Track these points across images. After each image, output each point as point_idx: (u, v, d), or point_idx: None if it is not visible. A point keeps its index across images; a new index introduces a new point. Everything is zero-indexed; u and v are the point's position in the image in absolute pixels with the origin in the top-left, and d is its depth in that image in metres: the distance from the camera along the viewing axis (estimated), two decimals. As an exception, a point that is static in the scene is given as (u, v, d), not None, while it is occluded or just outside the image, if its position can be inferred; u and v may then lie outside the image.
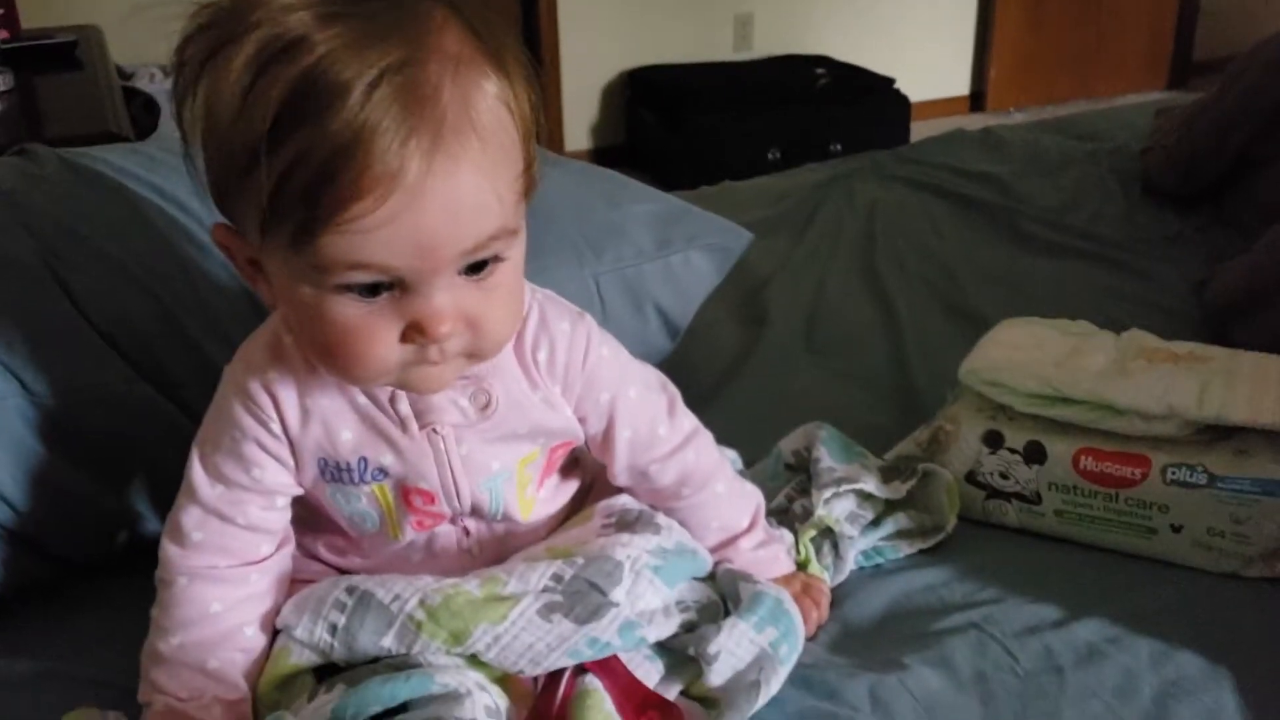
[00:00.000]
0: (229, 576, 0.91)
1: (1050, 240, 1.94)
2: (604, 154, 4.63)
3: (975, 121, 2.66)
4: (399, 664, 0.87)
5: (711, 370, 1.53)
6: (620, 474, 1.02)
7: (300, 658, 0.89)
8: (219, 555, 0.91)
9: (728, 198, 2.08)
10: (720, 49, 4.88)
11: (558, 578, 0.90)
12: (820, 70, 4.63)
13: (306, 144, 0.71)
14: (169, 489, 1.13)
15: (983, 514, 1.20)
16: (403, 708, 0.84)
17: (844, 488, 1.14)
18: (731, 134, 4.33)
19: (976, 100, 5.52)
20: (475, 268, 0.80)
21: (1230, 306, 1.54)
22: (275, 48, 0.72)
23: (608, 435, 0.99)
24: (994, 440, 1.18)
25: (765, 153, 4.35)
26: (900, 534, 1.16)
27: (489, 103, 0.77)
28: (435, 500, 0.93)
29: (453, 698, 0.83)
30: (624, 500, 1.02)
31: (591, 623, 0.88)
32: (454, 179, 0.74)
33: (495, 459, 0.94)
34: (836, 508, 1.13)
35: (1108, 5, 5.54)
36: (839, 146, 4.33)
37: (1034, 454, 1.16)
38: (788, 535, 1.10)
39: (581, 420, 0.98)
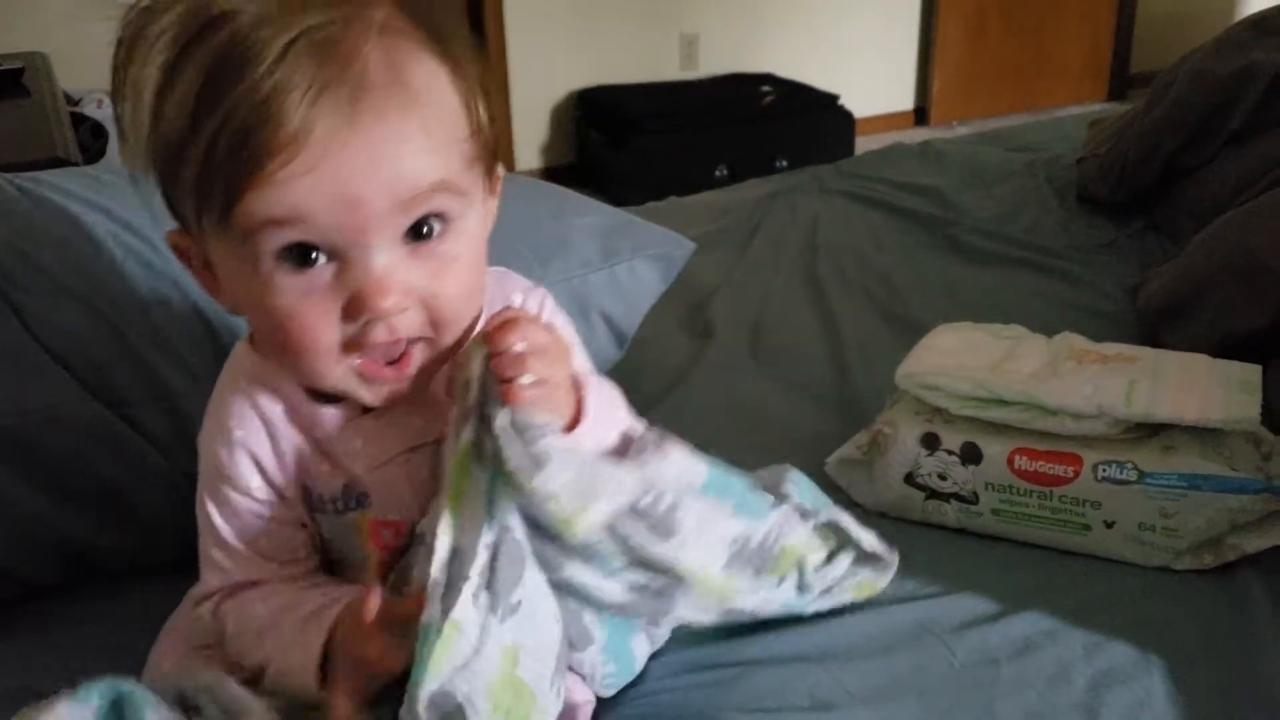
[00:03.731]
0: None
1: (988, 250, 1.98)
2: (555, 173, 4.64)
3: (919, 136, 2.70)
4: None
5: (659, 380, 1.55)
6: None
7: None
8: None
9: (673, 213, 2.11)
10: (667, 69, 4.92)
11: None
12: (765, 88, 4.68)
13: (228, 109, 0.69)
14: (122, 508, 1.14)
15: (922, 515, 1.23)
16: None
17: (822, 518, 1.06)
18: (679, 152, 4.37)
19: (920, 115, 5.59)
20: (419, 232, 0.76)
21: (1160, 310, 1.58)
22: (201, 19, 0.72)
23: None
24: (931, 442, 1.21)
25: (713, 170, 4.39)
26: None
27: (419, 63, 0.76)
28: (403, 532, 0.87)
29: None
30: None
31: None
32: (379, 127, 0.72)
33: None
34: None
35: (1047, 20, 5.64)
36: (785, 163, 4.38)
37: (970, 455, 1.19)
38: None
39: None
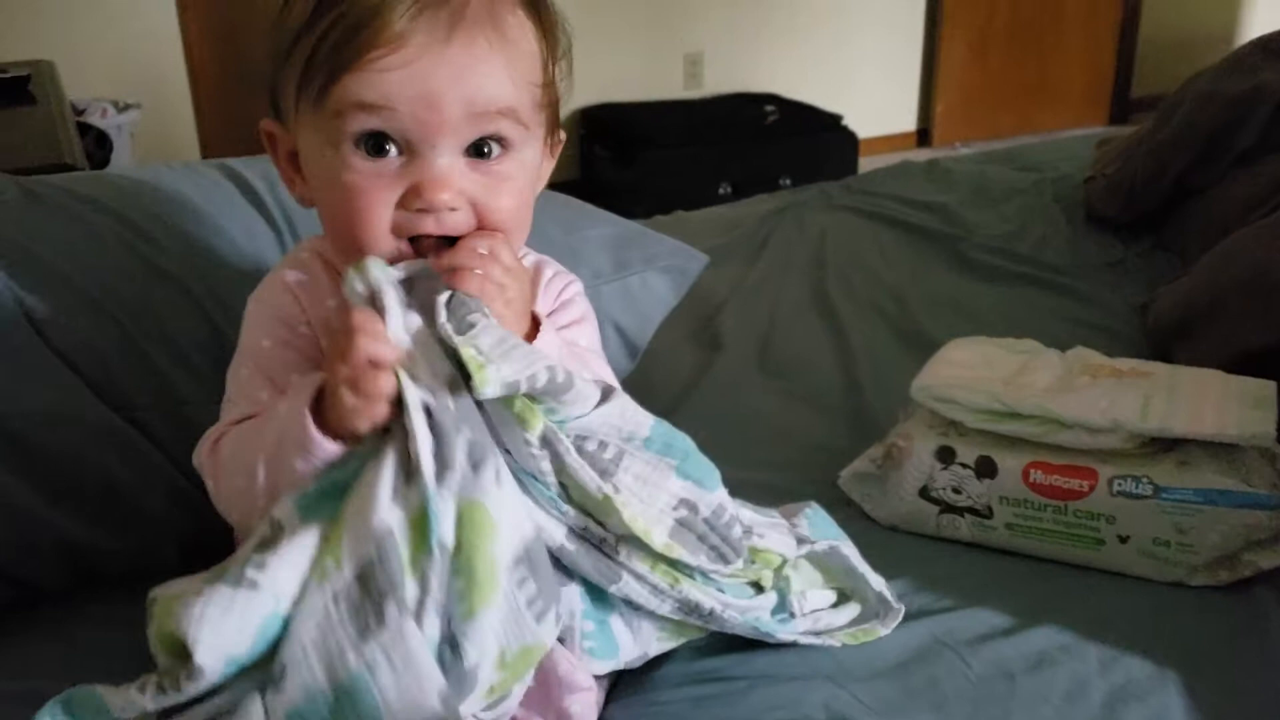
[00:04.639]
0: None
1: (997, 267, 1.97)
2: (559, 190, 4.62)
3: (922, 157, 2.70)
4: None
5: (668, 392, 1.55)
6: None
7: None
8: None
9: (681, 227, 2.10)
10: (671, 87, 4.92)
11: None
12: (769, 107, 4.69)
13: (344, 9, 0.83)
14: (126, 511, 1.14)
15: (936, 529, 1.22)
16: None
17: (818, 546, 1.03)
18: (683, 170, 4.37)
19: (923, 136, 5.60)
20: (480, 151, 0.88)
21: (1171, 327, 1.58)
22: None
23: None
24: (946, 456, 1.20)
25: (716, 188, 4.39)
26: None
27: (514, 14, 0.88)
28: None
29: None
30: None
31: None
32: (468, 51, 0.85)
33: None
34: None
35: (1049, 43, 5.65)
36: (789, 181, 4.37)
37: (985, 468, 1.18)
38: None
39: None
